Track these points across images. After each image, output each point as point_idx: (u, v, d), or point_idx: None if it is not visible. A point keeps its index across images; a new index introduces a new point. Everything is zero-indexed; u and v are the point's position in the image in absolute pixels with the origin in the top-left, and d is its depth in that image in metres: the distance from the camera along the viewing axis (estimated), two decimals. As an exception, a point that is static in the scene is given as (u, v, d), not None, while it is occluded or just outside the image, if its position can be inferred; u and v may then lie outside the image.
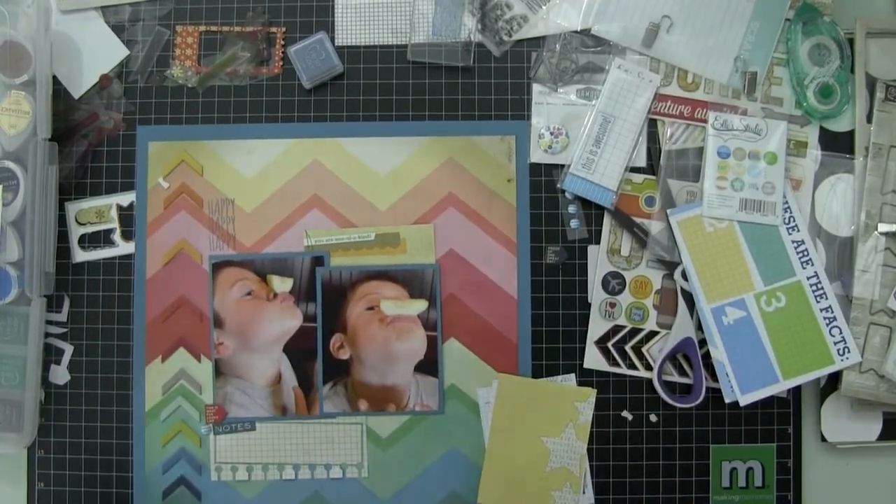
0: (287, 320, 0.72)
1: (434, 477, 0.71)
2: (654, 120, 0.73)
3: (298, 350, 0.72)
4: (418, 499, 0.71)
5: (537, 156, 0.73)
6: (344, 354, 0.71)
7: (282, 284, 0.72)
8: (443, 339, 0.72)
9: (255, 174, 0.73)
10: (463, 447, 0.71)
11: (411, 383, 0.71)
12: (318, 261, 0.72)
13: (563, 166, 0.72)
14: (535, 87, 0.73)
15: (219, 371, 0.72)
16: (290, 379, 0.72)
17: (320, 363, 0.71)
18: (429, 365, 0.71)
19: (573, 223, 0.73)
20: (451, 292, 0.72)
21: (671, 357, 0.71)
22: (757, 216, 0.71)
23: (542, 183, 0.73)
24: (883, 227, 0.70)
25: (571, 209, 0.73)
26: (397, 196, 0.72)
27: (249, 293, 0.72)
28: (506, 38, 0.73)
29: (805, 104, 0.72)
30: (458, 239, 0.72)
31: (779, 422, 0.72)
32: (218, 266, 0.72)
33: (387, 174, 0.73)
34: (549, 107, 0.73)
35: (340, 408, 0.71)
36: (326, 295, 0.72)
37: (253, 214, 0.73)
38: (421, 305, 0.71)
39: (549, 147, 0.72)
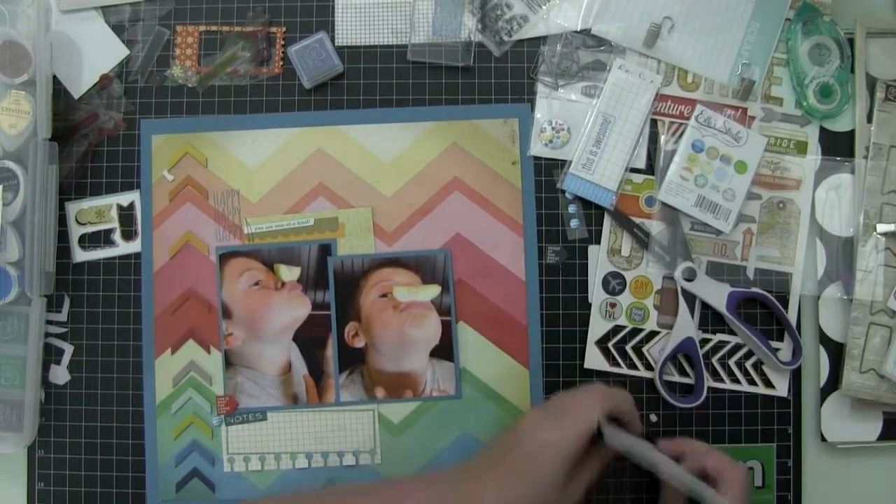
0: (296, 309, 0.72)
1: (447, 461, 0.71)
2: (655, 120, 0.73)
3: (308, 338, 0.72)
4: None
5: (537, 149, 0.73)
6: (359, 343, 0.72)
7: (289, 273, 0.72)
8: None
9: (259, 164, 0.73)
10: (475, 431, 0.71)
11: (427, 369, 0.71)
12: (326, 249, 0.72)
13: (562, 165, 0.72)
14: (538, 85, 0.73)
15: (228, 362, 0.72)
16: (300, 367, 0.72)
17: (335, 352, 0.71)
18: (444, 350, 0.71)
19: (573, 223, 0.73)
20: (458, 276, 0.72)
21: (672, 357, 0.71)
22: (709, 217, 0.71)
23: (543, 183, 0.73)
24: (882, 228, 0.71)
25: (571, 209, 0.73)
26: (402, 182, 0.73)
27: (257, 283, 0.72)
28: (506, 38, 0.74)
29: (805, 104, 0.72)
30: (464, 223, 0.72)
31: (779, 422, 0.72)
32: (225, 257, 0.72)
33: (391, 160, 0.73)
34: (552, 101, 0.73)
35: (357, 396, 0.72)
36: (338, 283, 0.72)
37: (258, 204, 0.73)
38: (434, 291, 0.72)
39: (550, 141, 0.72)
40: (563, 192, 0.73)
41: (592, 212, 0.73)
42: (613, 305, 0.72)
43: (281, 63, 0.74)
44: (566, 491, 0.59)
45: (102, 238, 0.74)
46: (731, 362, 0.72)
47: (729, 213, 0.71)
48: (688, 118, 0.72)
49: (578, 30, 0.73)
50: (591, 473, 0.62)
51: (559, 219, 0.73)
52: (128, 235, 0.73)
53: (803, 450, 0.72)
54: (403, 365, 0.72)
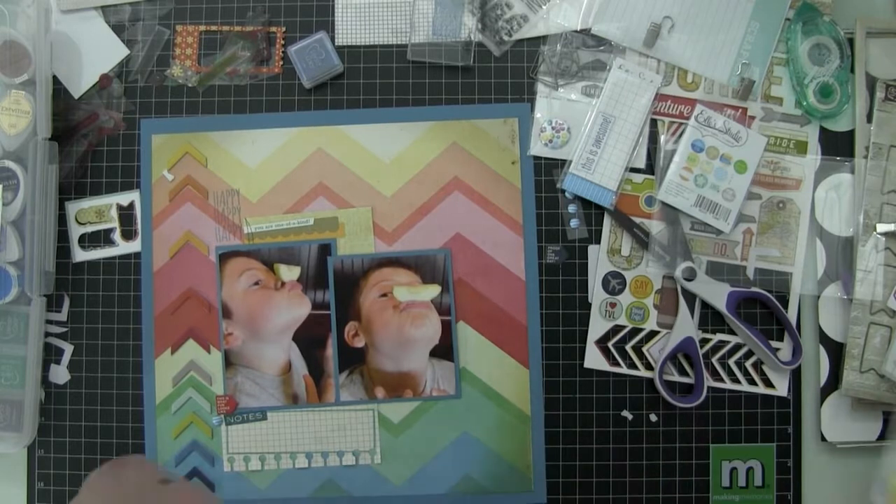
0: (296, 309, 0.72)
1: (447, 461, 0.71)
2: (655, 119, 0.73)
3: (308, 338, 0.72)
4: (432, 483, 0.71)
5: (538, 148, 0.73)
6: (359, 342, 0.72)
7: (289, 273, 0.72)
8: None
9: (259, 164, 0.73)
10: (475, 431, 0.71)
11: (427, 368, 0.71)
12: (326, 249, 0.72)
13: (562, 165, 0.72)
14: (538, 85, 0.73)
15: (229, 361, 0.72)
16: (300, 367, 0.72)
17: (335, 352, 0.71)
18: (444, 349, 0.71)
19: (573, 223, 0.73)
20: (458, 276, 0.72)
21: (672, 356, 0.71)
22: (709, 217, 0.71)
23: (543, 183, 0.73)
24: (882, 227, 0.71)
25: (571, 209, 0.73)
26: (402, 182, 0.73)
27: (257, 283, 0.72)
28: (506, 37, 0.74)
29: (805, 104, 0.72)
30: (464, 223, 0.72)
31: (779, 422, 0.72)
32: (225, 257, 0.72)
33: (391, 160, 0.73)
34: (552, 101, 0.73)
35: (357, 396, 0.72)
36: (338, 283, 0.72)
37: (258, 204, 0.73)
38: (434, 290, 0.72)
39: (550, 141, 0.72)
40: (563, 191, 0.73)
41: (592, 212, 0.73)
42: (613, 305, 0.72)
43: (281, 63, 0.74)
44: None
45: (102, 238, 0.74)
46: (731, 362, 0.72)
47: (729, 213, 0.71)
48: (688, 118, 0.72)
49: (578, 30, 0.73)
50: None
51: (559, 219, 0.73)
52: (128, 235, 0.73)
53: (803, 450, 0.72)
54: (403, 365, 0.72)
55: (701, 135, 0.71)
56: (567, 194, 0.73)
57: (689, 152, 0.72)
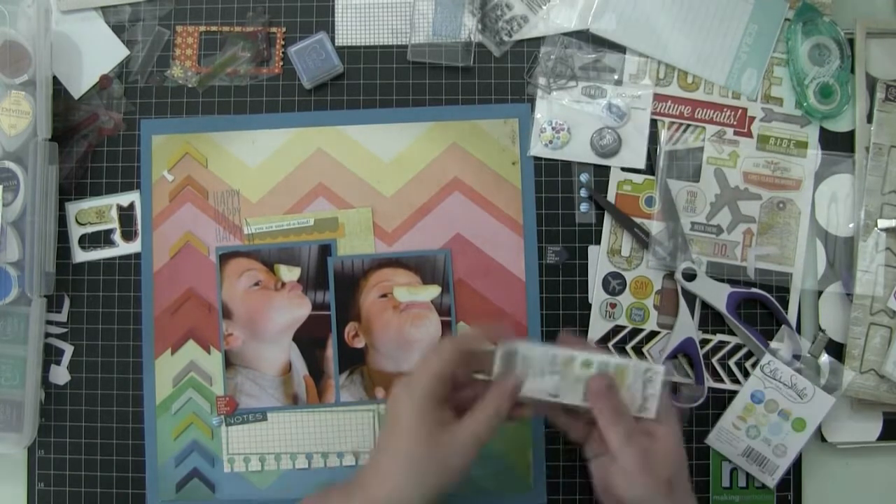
0: (296, 309, 0.72)
1: None
2: (654, 120, 0.73)
3: (308, 338, 0.72)
4: None
5: (538, 149, 0.73)
6: (359, 343, 0.72)
7: (289, 273, 0.72)
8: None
9: (259, 164, 0.73)
10: None
11: None
12: (326, 249, 0.72)
13: (563, 165, 0.72)
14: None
15: (229, 362, 0.72)
16: (300, 368, 0.72)
17: (335, 353, 0.71)
18: None
19: (583, 207, 0.72)
20: (458, 277, 0.72)
21: (672, 357, 0.71)
22: (755, 468, 0.70)
23: (543, 183, 0.73)
24: (883, 223, 0.71)
25: (583, 193, 0.72)
26: (402, 182, 0.73)
27: (257, 283, 0.72)
28: (506, 38, 0.74)
29: (805, 104, 0.72)
30: (464, 223, 0.72)
31: (779, 422, 0.72)
32: (225, 257, 0.72)
33: (391, 161, 0.73)
34: (553, 101, 0.73)
35: (357, 397, 0.72)
36: (338, 284, 0.72)
37: (258, 205, 0.73)
38: (434, 291, 0.71)
39: (550, 142, 0.72)
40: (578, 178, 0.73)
41: (593, 212, 0.73)
42: (613, 306, 0.72)
43: (281, 63, 0.74)
44: (446, 443, 0.55)
45: (102, 238, 0.74)
46: (731, 362, 0.72)
47: (776, 469, 0.69)
48: (688, 118, 0.72)
49: (578, 30, 0.73)
50: (485, 420, 0.56)
51: (559, 219, 0.73)
52: (128, 236, 0.73)
53: (803, 450, 0.72)
54: (403, 365, 0.72)
55: (763, 386, 0.69)
56: (581, 178, 0.72)
57: (748, 402, 0.70)
